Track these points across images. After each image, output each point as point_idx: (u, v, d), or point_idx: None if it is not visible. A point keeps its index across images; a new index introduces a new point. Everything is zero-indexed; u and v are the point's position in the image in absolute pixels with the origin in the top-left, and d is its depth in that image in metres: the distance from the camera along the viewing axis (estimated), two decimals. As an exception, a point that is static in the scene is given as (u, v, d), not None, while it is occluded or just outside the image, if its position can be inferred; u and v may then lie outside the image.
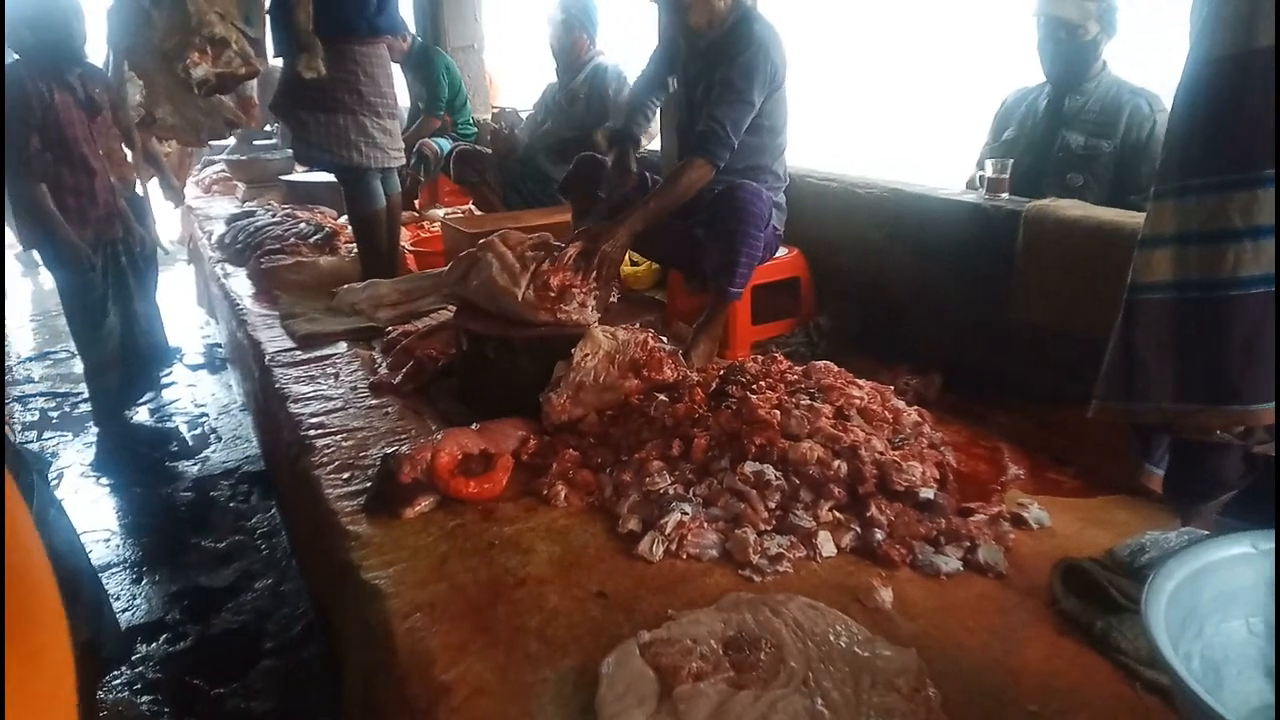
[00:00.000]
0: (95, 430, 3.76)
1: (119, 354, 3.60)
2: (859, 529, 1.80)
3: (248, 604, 2.76)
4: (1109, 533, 1.79)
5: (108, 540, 3.16)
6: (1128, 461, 1.49)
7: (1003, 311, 2.40)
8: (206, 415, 4.25)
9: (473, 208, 5.10)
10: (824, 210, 3.11)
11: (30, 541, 0.48)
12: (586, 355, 2.32)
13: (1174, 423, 1.32)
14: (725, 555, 1.76)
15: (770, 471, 1.89)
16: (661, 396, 2.25)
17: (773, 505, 1.85)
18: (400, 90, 4.10)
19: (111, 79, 3.48)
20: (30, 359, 5.07)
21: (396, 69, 5.00)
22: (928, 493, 1.84)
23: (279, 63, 3.52)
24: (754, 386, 2.19)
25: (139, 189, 3.81)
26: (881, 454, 1.92)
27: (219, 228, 4.81)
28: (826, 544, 1.77)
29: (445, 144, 5.14)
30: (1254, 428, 1.26)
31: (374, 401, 2.62)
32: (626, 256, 3.11)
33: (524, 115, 5.07)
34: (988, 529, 1.78)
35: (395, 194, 3.80)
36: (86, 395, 3.79)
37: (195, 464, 3.74)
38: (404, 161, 3.82)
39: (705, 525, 1.81)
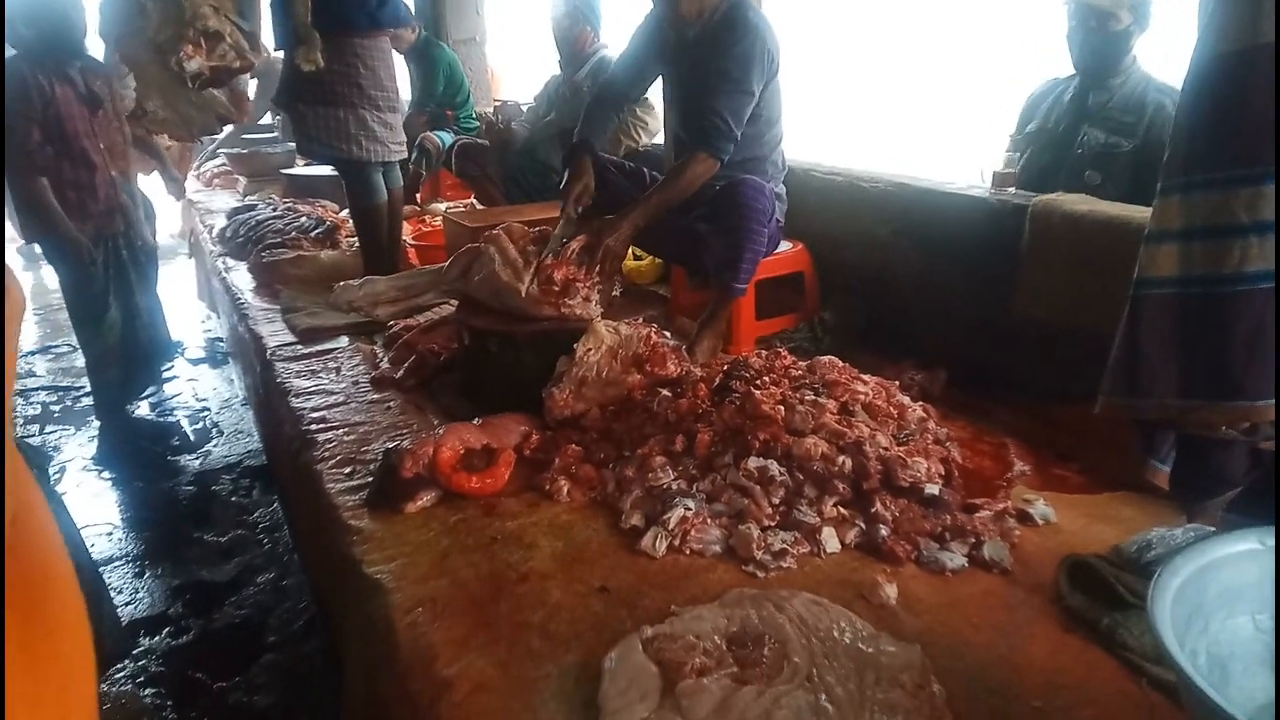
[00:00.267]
0: (97, 424, 3.76)
1: (120, 348, 3.59)
2: (863, 525, 1.79)
3: (249, 598, 2.76)
4: (1115, 529, 1.78)
5: (110, 534, 3.16)
6: (1133, 458, 1.48)
7: (1009, 307, 2.38)
8: (208, 409, 4.24)
9: (474, 201, 5.09)
10: (829, 205, 3.10)
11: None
12: (589, 350, 2.31)
13: (1178, 418, 1.31)
14: (729, 551, 1.75)
15: (774, 467, 1.89)
16: (665, 392, 2.24)
17: (777, 501, 1.84)
18: (403, 83, 4.10)
19: (111, 71, 3.47)
20: (32, 353, 5.07)
21: (400, 61, 5.00)
22: (933, 489, 1.83)
23: (281, 55, 3.51)
24: (758, 382, 2.18)
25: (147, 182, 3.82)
26: (886, 450, 1.91)
27: (220, 221, 4.80)
28: (831, 540, 1.77)
29: (447, 137, 5.13)
30: (1259, 424, 1.25)
31: (375, 396, 2.61)
32: (630, 251, 3.10)
33: (525, 108, 5.06)
34: (993, 525, 1.77)
35: (397, 188, 3.79)
36: (88, 389, 3.79)
37: (197, 458, 3.74)
38: (405, 155, 3.80)
39: (709, 521, 1.81)
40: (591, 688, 1.35)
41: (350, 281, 3.50)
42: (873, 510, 1.79)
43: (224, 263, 4.28)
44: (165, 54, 3.30)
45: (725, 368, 2.31)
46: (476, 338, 2.50)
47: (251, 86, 6.63)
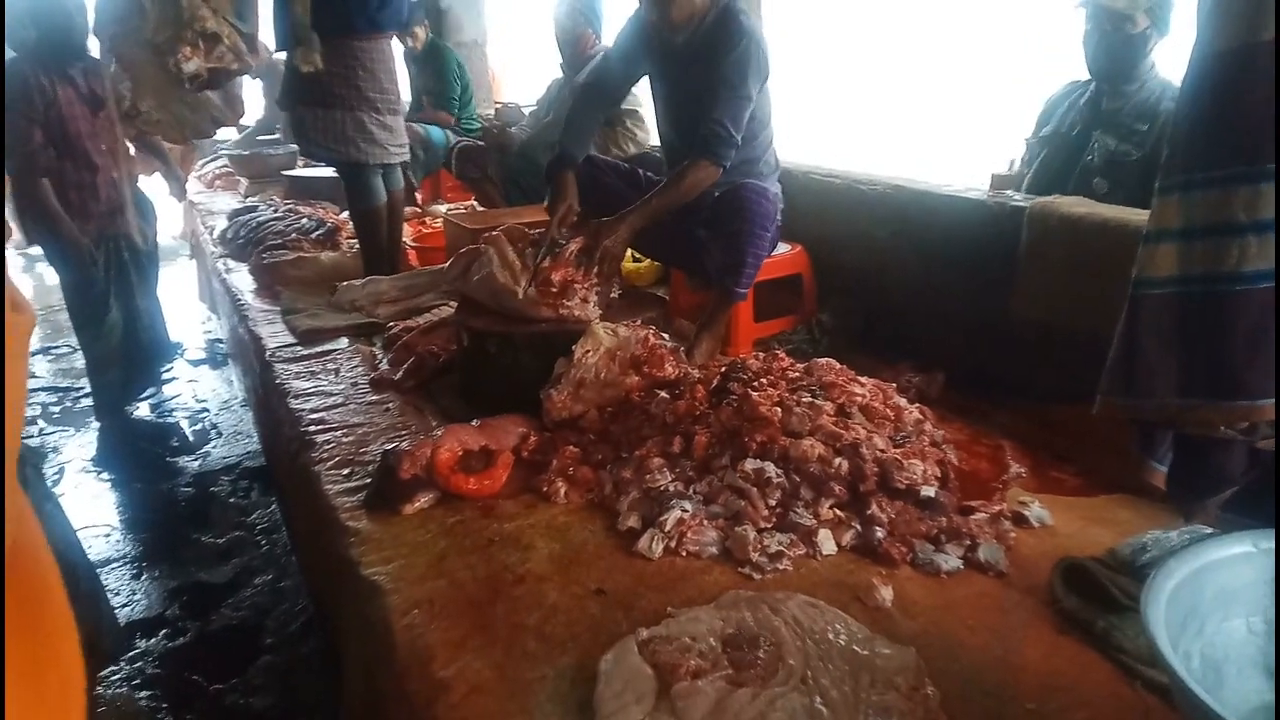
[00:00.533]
0: (96, 425, 3.76)
1: (121, 349, 3.60)
2: (859, 527, 1.79)
3: (247, 600, 2.76)
4: (1111, 531, 1.78)
5: (108, 535, 3.17)
6: (1131, 458, 1.48)
7: (1006, 309, 2.38)
8: (207, 410, 4.25)
9: (475, 203, 5.10)
10: (827, 207, 3.10)
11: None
12: (588, 352, 2.31)
13: (1178, 418, 1.31)
14: (725, 553, 1.75)
15: (771, 469, 1.89)
16: (662, 393, 2.24)
17: (773, 503, 1.84)
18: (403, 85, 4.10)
19: (113, 72, 3.48)
20: (32, 354, 5.06)
21: (400, 63, 5.01)
22: (929, 491, 1.83)
23: (284, 57, 3.51)
24: (755, 384, 2.18)
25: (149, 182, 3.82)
26: (883, 452, 1.91)
27: (221, 223, 4.81)
28: (827, 542, 1.77)
29: (437, 132, 5.13)
30: (1258, 423, 1.25)
31: (375, 397, 2.61)
32: (628, 253, 3.10)
33: (527, 111, 5.07)
34: (989, 527, 1.77)
35: (397, 190, 3.80)
36: (88, 390, 3.80)
37: (196, 459, 3.75)
38: (406, 157, 3.81)
39: (705, 523, 1.81)
40: (587, 690, 1.35)
41: (353, 281, 3.51)
42: (869, 512, 1.79)
43: (225, 264, 4.29)
44: (163, 55, 3.30)
45: (723, 370, 2.31)
46: (475, 339, 2.51)
47: (256, 88, 6.66)
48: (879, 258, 2.91)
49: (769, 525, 1.80)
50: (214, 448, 3.86)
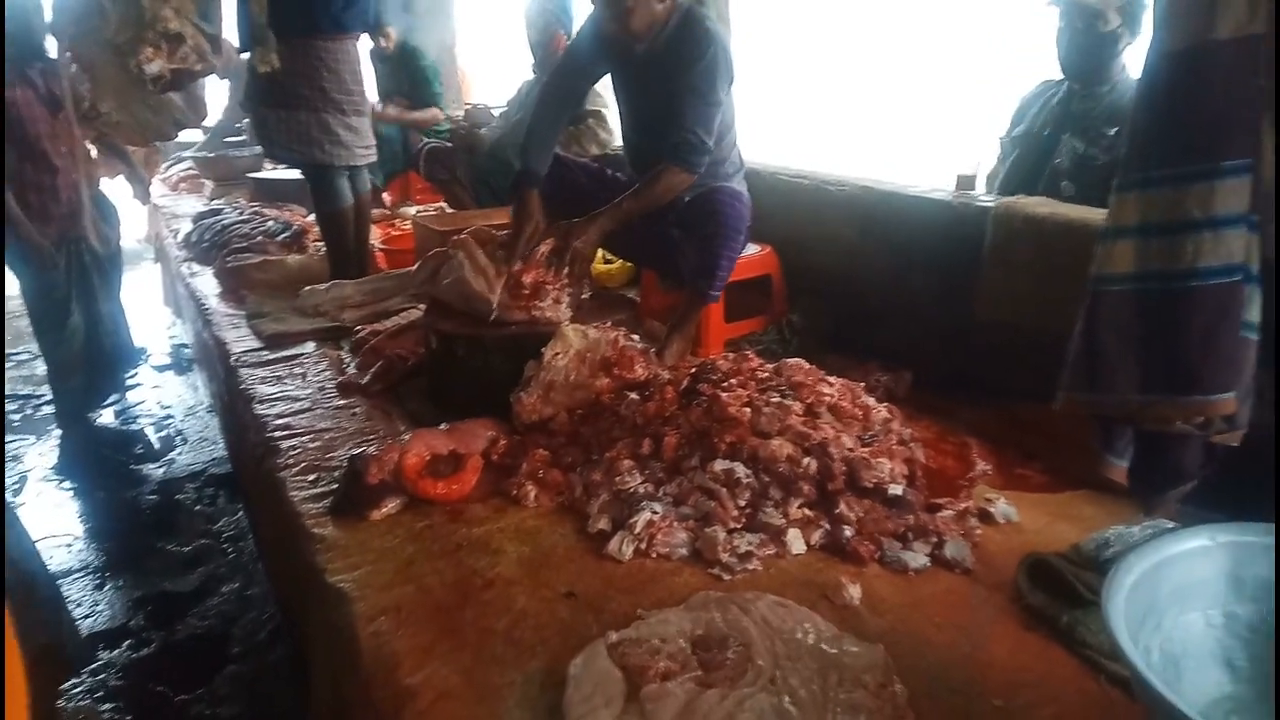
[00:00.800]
0: (58, 433, 3.69)
1: (83, 355, 3.53)
2: (828, 526, 1.80)
3: (214, 608, 2.72)
4: (1075, 527, 1.80)
5: (70, 545, 3.10)
6: (1092, 454, 1.50)
7: (972, 309, 2.41)
8: (173, 417, 4.18)
9: (444, 205, 5.06)
10: (796, 208, 3.12)
11: None
12: (557, 354, 2.30)
13: (1137, 414, 1.33)
14: (695, 554, 1.76)
15: (740, 469, 1.89)
16: (632, 395, 2.23)
17: (743, 503, 1.84)
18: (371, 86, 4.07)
19: (73, 73, 3.42)
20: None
21: (367, 63, 4.96)
22: (896, 489, 1.84)
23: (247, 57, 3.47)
24: (725, 384, 2.18)
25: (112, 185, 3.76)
26: (851, 451, 1.92)
27: (185, 226, 4.74)
28: (796, 541, 1.77)
29: (393, 129, 5.08)
30: (1213, 418, 1.27)
31: (342, 402, 2.59)
32: (599, 254, 3.10)
33: (496, 112, 5.04)
34: (955, 525, 1.79)
35: (364, 192, 3.76)
36: (49, 397, 3.72)
37: (161, 467, 3.68)
38: (373, 159, 3.77)
39: (675, 524, 1.81)
40: (556, 694, 1.34)
41: (317, 286, 3.47)
42: (837, 511, 1.80)
43: (189, 267, 4.23)
44: (124, 56, 3.25)
45: (693, 370, 2.31)
46: (444, 342, 2.49)
47: (223, 89, 6.57)
48: (848, 258, 2.93)
49: (739, 526, 1.80)
50: (179, 454, 3.80)
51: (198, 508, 3.35)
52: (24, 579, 1.73)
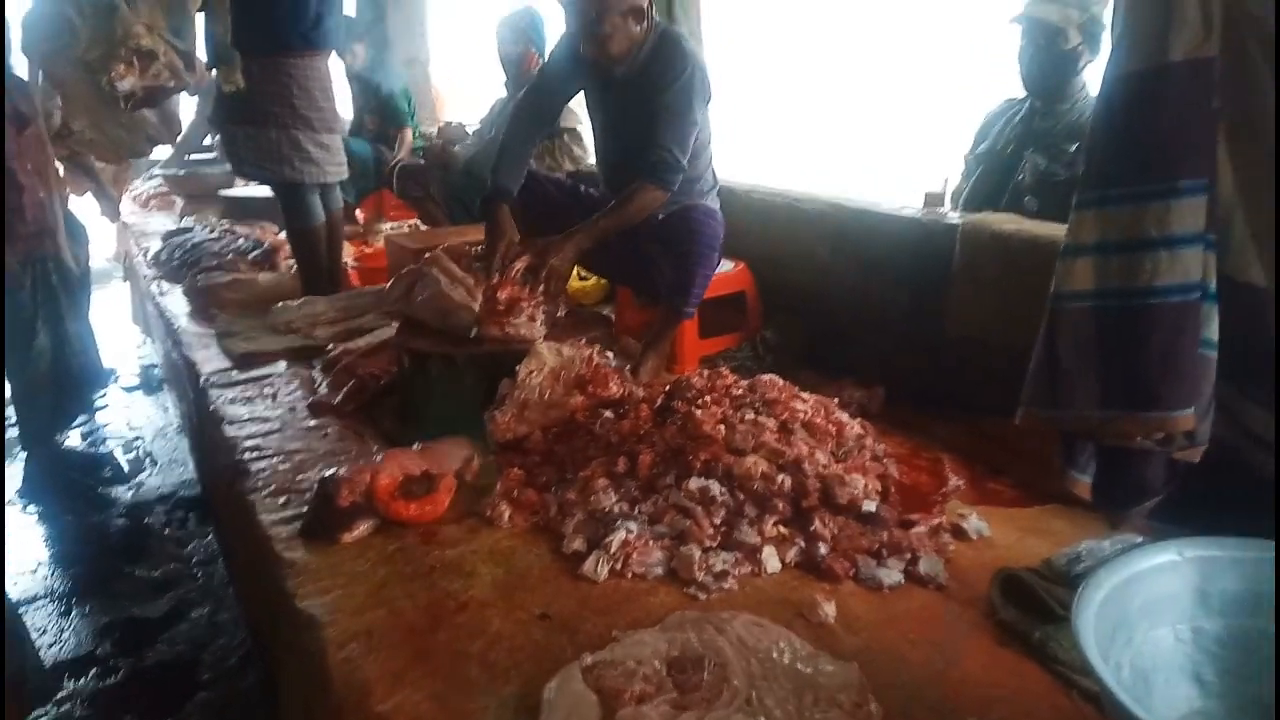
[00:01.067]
0: (23, 455, 3.62)
1: (50, 376, 3.47)
2: (803, 543, 1.80)
3: (183, 634, 2.67)
4: (1047, 542, 1.81)
5: (34, 571, 3.04)
6: (1055, 468, 1.51)
7: (943, 324, 2.43)
8: (142, 438, 4.12)
9: (418, 222, 5.05)
10: (769, 225, 3.14)
11: None
12: (532, 372, 2.30)
13: (1097, 429, 1.35)
14: (670, 573, 1.75)
15: (715, 487, 1.89)
16: (607, 413, 2.23)
17: (718, 521, 1.84)
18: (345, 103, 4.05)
19: (41, 90, 3.38)
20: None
21: (341, 81, 4.95)
22: (870, 505, 1.85)
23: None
24: (699, 401, 2.18)
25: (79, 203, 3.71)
26: (825, 467, 1.92)
27: (155, 244, 4.68)
28: (771, 559, 1.77)
29: (360, 145, 5.07)
30: (1174, 434, 1.29)
31: (313, 422, 2.56)
32: (575, 271, 3.09)
33: (471, 130, 5.04)
34: (928, 540, 1.80)
35: (336, 209, 3.74)
36: (14, 420, 3.65)
37: (129, 489, 3.62)
38: (344, 176, 3.75)
39: (650, 543, 1.80)
40: (531, 719, 1.33)
41: (289, 302, 3.44)
42: (812, 528, 1.80)
43: (158, 286, 4.18)
44: (96, 73, 3.22)
45: (667, 388, 2.31)
46: (417, 361, 2.47)
47: (191, 106, 6.52)
48: (820, 275, 2.95)
49: (714, 544, 1.80)
50: (148, 477, 3.73)
51: (167, 531, 3.29)
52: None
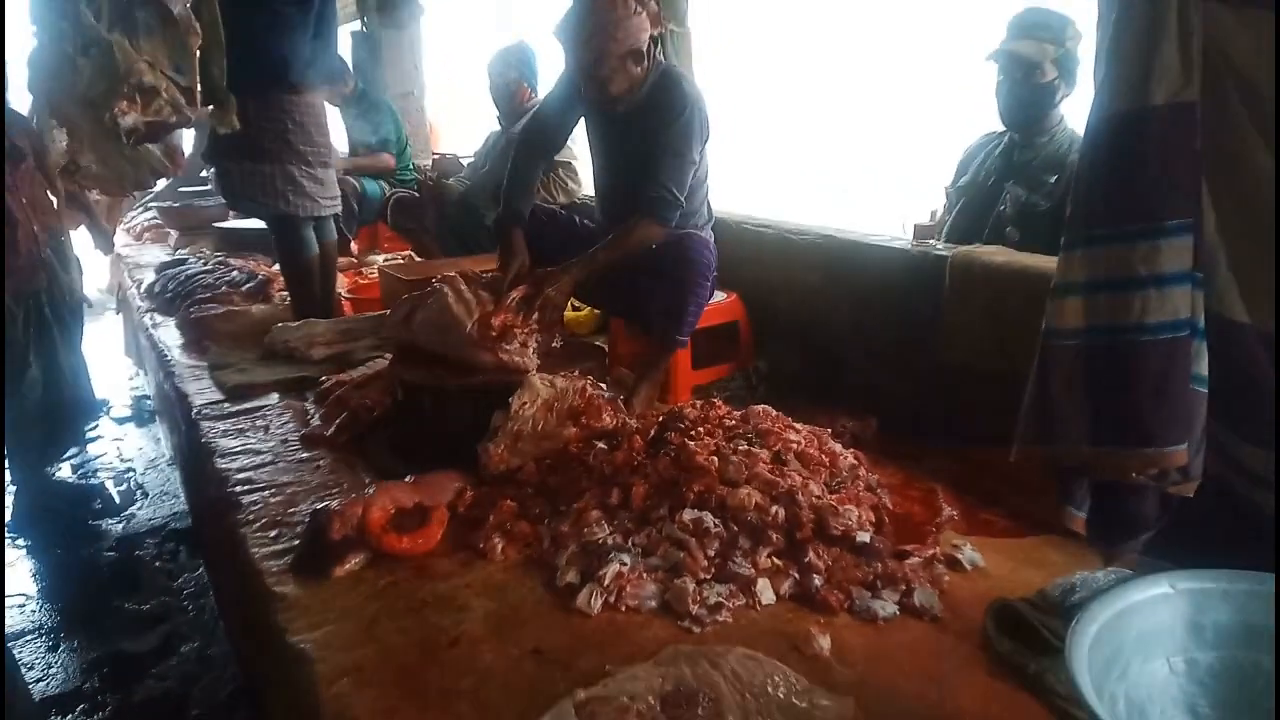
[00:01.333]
0: (13, 488, 3.60)
1: (42, 408, 3.46)
2: (797, 575, 1.79)
3: (173, 669, 2.64)
4: (1041, 573, 1.81)
5: (23, 606, 3.00)
6: (1053, 503, 1.52)
7: (934, 354, 2.44)
8: (133, 470, 4.09)
9: (412, 254, 5.07)
10: (761, 256, 3.16)
11: None
12: (525, 404, 2.30)
13: (1092, 465, 1.36)
14: (665, 606, 1.74)
15: (709, 519, 1.88)
16: (600, 444, 2.23)
17: (712, 553, 1.83)
18: (340, 135, 4.08)
19: (35, 125, 3.39)
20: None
21: (335, 113, 4.99)
22: (864, 536, 1.84)
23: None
24: (692, 433, 2.19)
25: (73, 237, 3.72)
26: (818, 498, 1.92)
27: (149, 276, 4.69)
28: (766, 591, 1.76)
29: (371, 184, 5.11)
30: (1167, 469, 1.30)
31: (305, 455, 2.55)
32: (568, 301, 3.11)
33: (465, 162, 5.08)
34: (923, 572, 1.79)
35: (330, 241, 3.75)
36: (4, 451, 3.63)
37: (120, 521, 3.59)
38: (338, 209, 3.77)
39: (644, 575, 1.79)
40: (523, 756, 1.32)
41: (287, 324, 3.45)
42: (806, 560, 1.80)
43: (152, 318, 4.17)
44: (98, 109, 3.24)
45: (660, 419, 2.32)
46: (410, 392, 2.47)
47: (189, 139, 6.57)
48: (812, 305, 2.97)
49: (708, 576, 1.79)
50: (139, 509, 3.71)
51: (158, 564, 3.26)
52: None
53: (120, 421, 4.72)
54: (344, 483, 2.35)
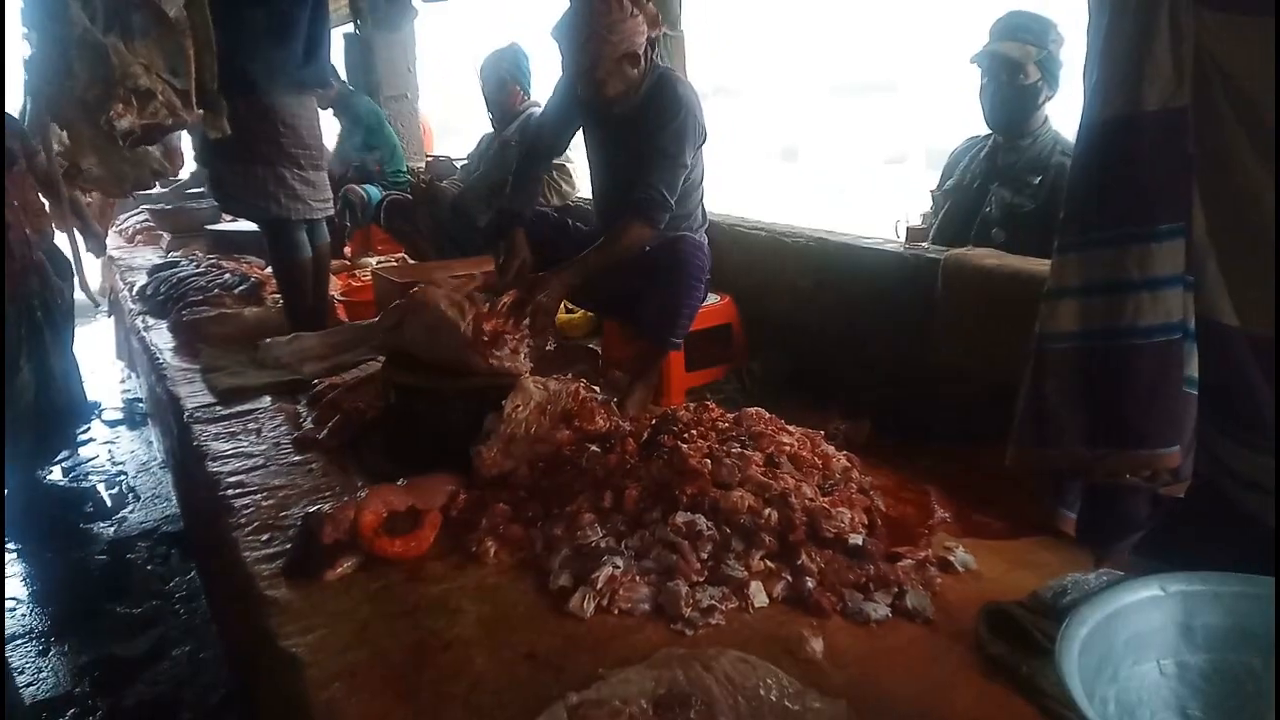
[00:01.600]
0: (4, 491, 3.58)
1: (33, 411, 3.45)
2: (790, 578, 1.79)
3: (164, 673, 2.63)
4: (1034, 574, 1.81)
5: (13, 610, 2.99)
6: (1045, 505, 1.52)
7: (926, 356, 2.45)
8: (125, 473, 4.08)
9: (405, 256, 5.06)
10: (754, 258, 3.17)
11: None
12: (518, 406, 2.29)
13: (1086, 467, 1.36)
14: (657, 609, 1.73)
15: (702, 521, 1.88)
16: (593, 447, 2.23)
17: (705, 556, 1.83)
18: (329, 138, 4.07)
19: (29, 129, 3.38)
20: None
21: (328, 115, 4.99)
22: (856, 539, 1.84)
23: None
24: (685, 435, 2.19)
25: (62, 240, 3.71)
26: (811, 501, 1.92)
27: (141, 279, 4.67)
28: (758, 594, 1.76)
29: (375, 191, 5.11)
30: (1160, 471, 1.30)
31: (297, 458, 2.54)
32: (561, 304, 3.11)
33: (459, 165, 5.08)
34: (915, 574, 1.79)
35: (323, 243, 3.74)
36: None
37: (111, 525, 3.58)
38: (330, 212, 3.76)
39: (637, 578, 1.79)
40: (515, 760, 1.31)
41: (278, 338, 3.43)
42: (799, 562, 1.79)
43: (143, 321, 4.16)
44: (94, 112, 3.23)
45: (654, 422, 2.32)
46: (402, 395, 2.47)
47: (186, 141, 6.54)
48: (805, 307, 2.98)
49: (701, 579, 1.79)
50: (131, 512, 3.70)
51: (149, 568, 3.25)
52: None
53: (112, 424, 4.71)
54: (336, 486, 2.34)
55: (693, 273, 2.70)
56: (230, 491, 2.31)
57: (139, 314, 4.27)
